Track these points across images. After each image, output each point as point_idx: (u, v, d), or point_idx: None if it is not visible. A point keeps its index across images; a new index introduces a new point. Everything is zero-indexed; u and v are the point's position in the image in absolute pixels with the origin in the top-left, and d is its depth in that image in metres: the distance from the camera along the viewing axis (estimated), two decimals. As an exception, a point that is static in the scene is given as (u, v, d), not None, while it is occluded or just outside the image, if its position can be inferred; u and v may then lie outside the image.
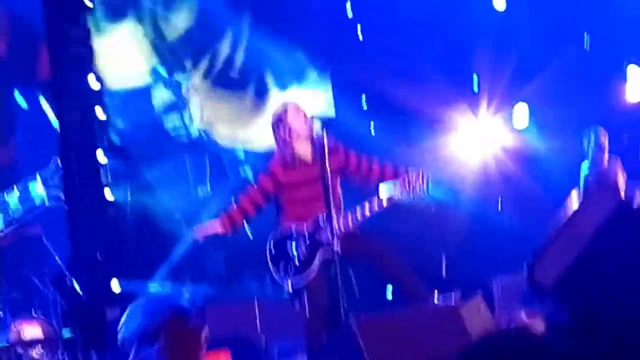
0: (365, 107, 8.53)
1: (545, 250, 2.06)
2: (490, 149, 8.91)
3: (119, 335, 2.66)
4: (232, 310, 7.33)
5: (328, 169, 5.88)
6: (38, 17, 7.13)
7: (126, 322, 2.64)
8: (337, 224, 6.04)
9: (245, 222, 6.51)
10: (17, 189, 6.06)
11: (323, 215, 6.14)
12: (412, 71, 8.27)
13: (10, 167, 7.89)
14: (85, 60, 6.80)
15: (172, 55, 9.14)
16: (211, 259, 8.51)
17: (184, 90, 9.15)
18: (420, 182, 6.14)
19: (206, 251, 8.58)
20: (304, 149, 6.21)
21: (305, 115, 6.24)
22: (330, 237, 6.03)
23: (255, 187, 6.38)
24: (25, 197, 6.10)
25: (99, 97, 6.96)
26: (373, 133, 8.45)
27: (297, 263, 6.20)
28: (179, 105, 9.10)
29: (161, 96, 9.15)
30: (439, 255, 8.08)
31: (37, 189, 6.33)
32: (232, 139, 9.28)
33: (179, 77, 9.20)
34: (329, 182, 5.92)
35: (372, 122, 8.54)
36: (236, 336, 6.62)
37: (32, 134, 7.57)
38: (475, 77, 8.92)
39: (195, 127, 9.14)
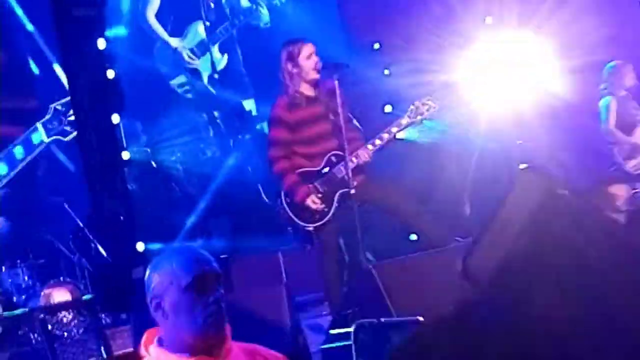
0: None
1: (479, 241, 1.78)
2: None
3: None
4: (256, 262, 7.33)
5: (340, 107, 5.91)
6: None
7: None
8: (350, 158, 6.03)
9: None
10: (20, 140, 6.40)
11: (334, 152, 6.15)
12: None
13: None
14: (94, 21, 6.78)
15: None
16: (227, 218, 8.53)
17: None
18: (427, 110, 6.22)
19: (223, 211, 8.58)
20: (307, 88, 6.22)
21: (316, 58, 6.23)
22: (344, 173, 6.04)
23: (278, 147, 6.25)
24: (28, 145, 6.39)
25: (108, 57, 6.93)
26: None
27: (314, 204, 6.16)
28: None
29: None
30: (458, 198, 7.99)
31: (41, 136, 6.55)
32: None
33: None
34: (340, 119, 5.94)
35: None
36: (260, 288, 6.60)
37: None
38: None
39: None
